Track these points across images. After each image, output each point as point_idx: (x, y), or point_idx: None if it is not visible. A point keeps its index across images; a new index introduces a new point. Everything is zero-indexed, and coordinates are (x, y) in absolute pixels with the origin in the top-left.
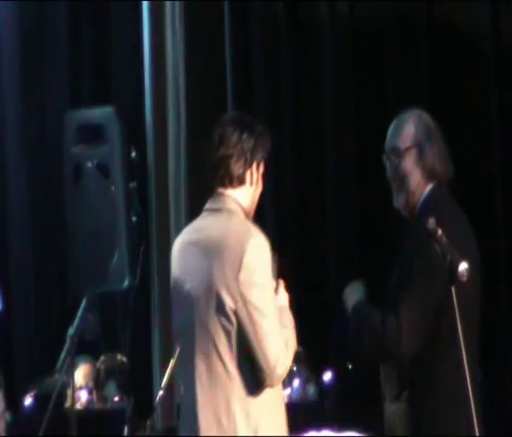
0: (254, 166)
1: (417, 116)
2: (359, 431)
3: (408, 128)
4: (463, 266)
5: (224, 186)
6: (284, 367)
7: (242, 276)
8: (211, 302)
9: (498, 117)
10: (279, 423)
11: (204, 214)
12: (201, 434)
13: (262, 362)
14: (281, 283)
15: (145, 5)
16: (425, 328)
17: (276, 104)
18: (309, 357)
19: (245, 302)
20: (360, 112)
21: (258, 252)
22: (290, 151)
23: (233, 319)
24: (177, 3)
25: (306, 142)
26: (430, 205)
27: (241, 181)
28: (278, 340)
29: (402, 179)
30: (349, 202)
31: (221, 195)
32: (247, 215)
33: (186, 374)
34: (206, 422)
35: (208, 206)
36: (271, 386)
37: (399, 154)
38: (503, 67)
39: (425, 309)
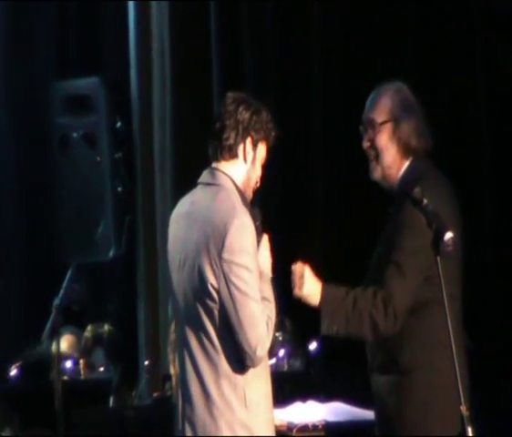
0: (249, 141)
1: (395, 88)
2: (345, 401)
3: (385, 101)
4: (448, 235)
5: (217, 158)
6: (265, 348)
7: (225, 255)
8: (195, 278)
9: (485, 77)
10: (265, 389)
11: (198, 187)
12: (192, 407)
13: (244, 344)
14: (265, 239)
15: None
16: (414, 297)
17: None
18: (294, 326)
19: (227, 282)
20: (349, 102)
21: (241, 233)
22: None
23: (216, 297)
24: None
25: (292, 133)
26: (409, 179)
27: (233, 154)
28: (259, 322)
29: (377, 153)
30: (336, 194)
31: (215, 169)
32: (241, 193)
33: (179, 345)
34: (196, 395)
35: (201, 179)
36: (253, 366)
37: (375, 127)
38: (491, 25)
39: (415, 280)
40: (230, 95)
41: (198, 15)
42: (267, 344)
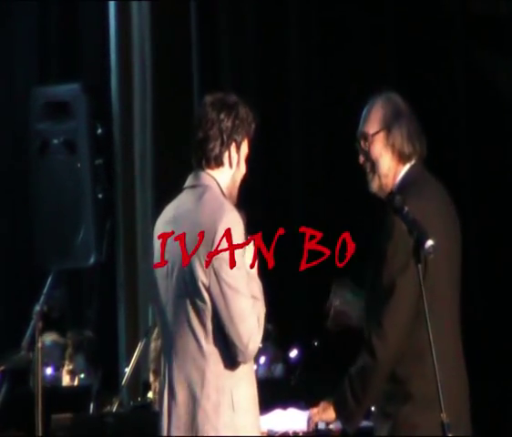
0: (233, 147)
1: (385, 98)
2: None
3: (376, 112)
4: (429, 243)
5: (202, 167)
6: (257, 343)
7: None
8: (186, 279)
9: (465, 78)
10: (252, 392)
11: (183, 191)
12: (177, 411)
13: (235, 340)
14: (251, 244)
15: None
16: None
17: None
18: (275, 333)
19: (218, 279)
20: (328, 98)
21: (231, 229)
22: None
23: (206, 296)
24: None
25: (272, 131)
26: (404, 185)
27: (219, 163)
28: (251, 317)
29: (373, 164)
30: (316, 191)
31: (199, 171)
32: (226, 196)
33: (165, 351)
34: (182, 399)
35: (186, 183)
36: (244, 362)
37: (368, 139)
38: (470, 29)
39: (407, 311)
40: (208, 99)
41: (178, 16)
42: (258, 339)
